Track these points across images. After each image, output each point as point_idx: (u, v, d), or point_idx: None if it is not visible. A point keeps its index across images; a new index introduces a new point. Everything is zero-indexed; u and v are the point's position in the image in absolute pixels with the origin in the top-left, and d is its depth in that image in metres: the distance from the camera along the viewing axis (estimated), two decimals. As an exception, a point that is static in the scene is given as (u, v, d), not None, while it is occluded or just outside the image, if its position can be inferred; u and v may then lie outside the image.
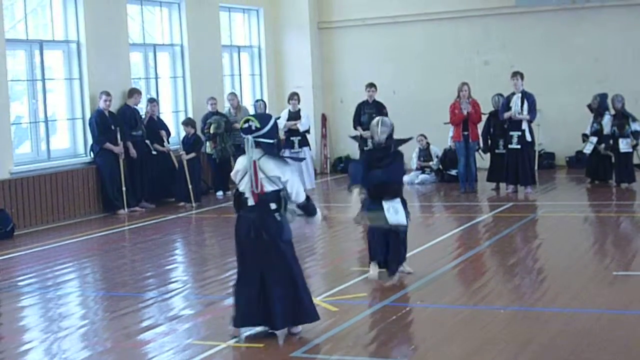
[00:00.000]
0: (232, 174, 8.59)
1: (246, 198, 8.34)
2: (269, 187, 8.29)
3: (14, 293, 11.12)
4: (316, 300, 9.78)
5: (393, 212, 10.45)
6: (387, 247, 10.66)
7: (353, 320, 9.01)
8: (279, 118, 19.26)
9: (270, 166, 8.28)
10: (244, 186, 8.36)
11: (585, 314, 8.98)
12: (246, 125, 8.28)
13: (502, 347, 7.90)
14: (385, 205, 10.42)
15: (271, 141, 8.29)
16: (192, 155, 18.62)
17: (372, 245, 10.82)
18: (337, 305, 9.60)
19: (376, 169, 10.45)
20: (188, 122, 19.24)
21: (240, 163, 8.44)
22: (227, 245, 13.97)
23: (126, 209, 17.44)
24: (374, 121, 10.77)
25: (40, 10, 17.54)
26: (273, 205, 8.31)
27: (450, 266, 11.58)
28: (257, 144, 8.25)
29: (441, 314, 9.27)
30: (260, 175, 8.24)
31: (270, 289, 8.34)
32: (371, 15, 23.59)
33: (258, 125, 8.22)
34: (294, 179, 8.45)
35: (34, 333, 9.22)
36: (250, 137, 8.24)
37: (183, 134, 19.34)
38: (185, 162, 18.30)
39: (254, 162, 8.23)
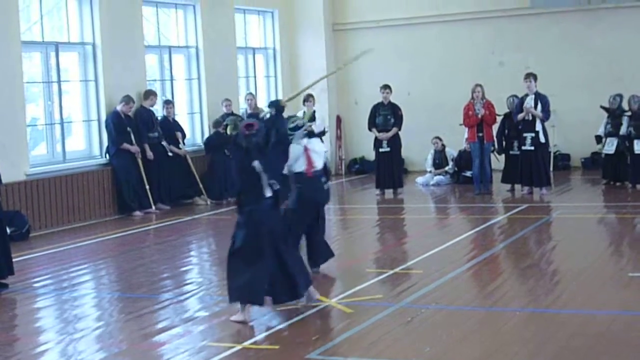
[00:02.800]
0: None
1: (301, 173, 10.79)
2: (320, 163, 10.97)
3: (30, 294, 11.16)
4: (331, 302, 9.81)
5: None
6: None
7: (368, 322, 9.00)
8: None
9: (317, 144, 11.00)
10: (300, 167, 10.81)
11: (601, 315, 8.96)
12: (293, 124, 10.58)
13: (517, 349, 7.90)
14: None
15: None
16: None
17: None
18: (353, 307, 9.60)
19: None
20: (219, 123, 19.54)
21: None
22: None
23: (153, 206, 17.58)
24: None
25: (56, 12, 17.60)
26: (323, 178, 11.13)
27: (465, 268, 11.57)
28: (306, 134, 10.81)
29: (456, 315, 9.26)
30: (312, 154, 10.85)
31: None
32: (386, 16, 23.59)
33: (305, 121, 10.95)
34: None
35: (50, 334, 9.25)
36: (300, 131, 10.67)
37: (199, 135, 19.87)
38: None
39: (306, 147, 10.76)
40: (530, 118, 17.79)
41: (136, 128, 17.87)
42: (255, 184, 9.22)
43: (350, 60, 9.86)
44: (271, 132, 9.28)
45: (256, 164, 9.18)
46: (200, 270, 12.76)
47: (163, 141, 18.43)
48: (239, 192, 9.44)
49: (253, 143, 9.17)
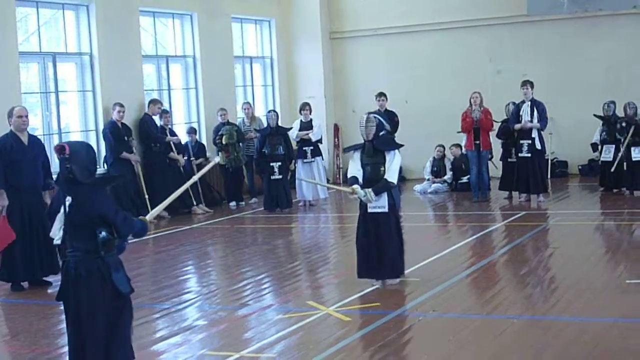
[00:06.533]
0: None
1: None
2: None
3: (30, 304, 11.17)
4: (329, 310, 9.83)
5: None
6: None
7: (366, 330, 9.03)
8: (291, 128, 19.36)
9: None
10: None
11: (598, 322, 8.98)
12: None
13: (514, 357, 7.92)
14: None
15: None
16: (201, 160, 19.46)
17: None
18: (350, 315, 9.63)
19: None
20: (192, 131, 19.96)
21: None
22: (240, 256, 14.03)
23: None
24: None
25: (53, 23, 17.63)
26: None
27: (463, 275, 11.58)
28: None
29: (454, 323, 9.28)
30: None
31: None
32: (383, 25, 23.61)
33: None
34: None
35: (48, 344, 9.26)
36: None
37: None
38: (195, 167, 18.87)
39: None
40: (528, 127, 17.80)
41: (147, 133, 18.25)
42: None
43: (202, 172, 8.76)
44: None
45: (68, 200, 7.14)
46: (199, 279, 12.78)
47: (168, 138, 18.51)
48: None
49: (66, 172, 7.06)
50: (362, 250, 11.02)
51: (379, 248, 10.88)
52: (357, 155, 11.03)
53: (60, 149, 6.99)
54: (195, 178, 8.58)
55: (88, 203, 7.04)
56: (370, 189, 10.66)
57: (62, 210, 7.11)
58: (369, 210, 10.86)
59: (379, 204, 10.79)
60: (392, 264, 10.94)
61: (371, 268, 10.97)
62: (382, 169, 10.80)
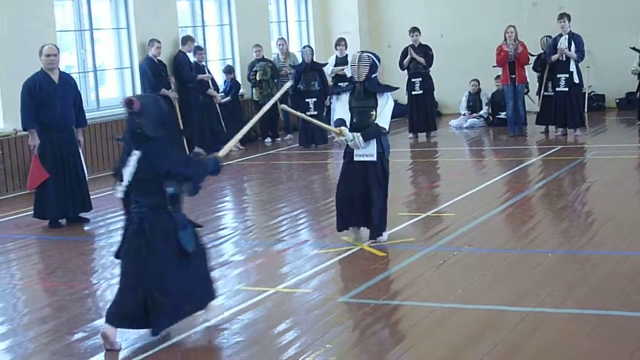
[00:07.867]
0: None
1: None
2: None
3: (66, 240, 11.30)
4: (364, 245, 9.86)
5: None
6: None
7: (400, 265, 9.06)
8: (326, 64, 19.30)
9: None
10: None
11: (634, 256, 8.94)
12: None
13: (549, 291, 7.91)
14: None
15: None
16: (228, 99, 19.39)
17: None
18: (385, 250, 9.65)
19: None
20: (228, 70, 19.99)
21: None
22: (276, 192, 14.08)
23: (187, 152, 17.52)
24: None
25: (87, -40, 17.60)
26: None
27: (499, 210, 11.57)
28: None
29: (489, 257, 9.28)
30: None
31: None
32: (418, -42, 23.38)
33: None
34: None
35: (87, 279, 9.38)
36: None
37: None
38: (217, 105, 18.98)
39: None
40: (564, 59, 17.63)
41: (181, 71, 18.18)
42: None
43: (276, 97, 8.29)
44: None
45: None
46: (235, 215, 12.86)
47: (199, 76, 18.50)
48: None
49: (135, 127, 6.94)
50: (342, 201, 10.00)
51: (365, 200, 9.88)
52: (345, 97, 9.95)
53: (128, 103, 6.80)
54: (269, 104, 8.43)
55: (158, 158, 6.87)
56: (359, 134, 9.64)
57: (130, 165, 6.92)
58: (355, 158, 9.88)
59: (367, 152, 9.77)
60: (378, 219, 9.92)
61: (353, 218, 10.01)
62: (373, 113, 9.76)
